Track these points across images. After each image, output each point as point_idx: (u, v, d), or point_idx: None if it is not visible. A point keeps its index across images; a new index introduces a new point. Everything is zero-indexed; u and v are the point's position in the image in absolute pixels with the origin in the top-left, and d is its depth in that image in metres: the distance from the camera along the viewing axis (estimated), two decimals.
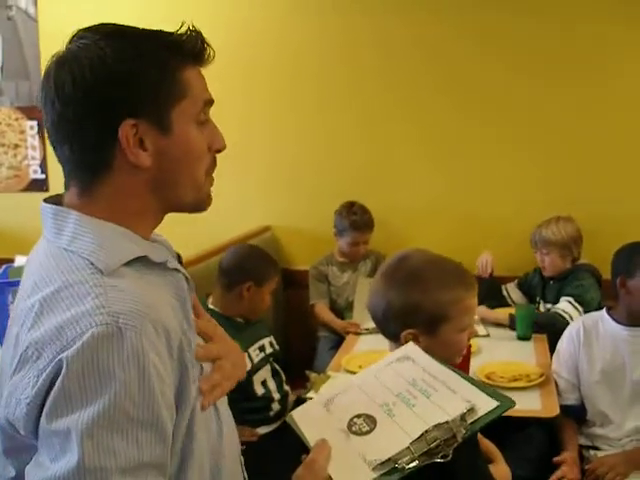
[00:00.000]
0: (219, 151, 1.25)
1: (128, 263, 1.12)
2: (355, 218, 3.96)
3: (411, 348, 1.61)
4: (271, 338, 3.25)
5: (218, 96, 1.27)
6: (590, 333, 2.93)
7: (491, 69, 4.06)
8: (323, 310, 4.02)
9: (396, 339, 1.74)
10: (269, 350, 3.19)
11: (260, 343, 3.15)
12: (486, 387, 1.44)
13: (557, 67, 3.99)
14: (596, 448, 2.86)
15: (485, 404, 1.37)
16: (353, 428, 1.39)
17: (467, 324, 1.76)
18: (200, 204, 1.25)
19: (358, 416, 1.42)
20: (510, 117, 4.09)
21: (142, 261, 1.15)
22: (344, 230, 3.98)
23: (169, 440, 1.06)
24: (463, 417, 1.34)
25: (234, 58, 4.18)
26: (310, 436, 1.41)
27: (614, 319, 2.90)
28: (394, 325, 1.74)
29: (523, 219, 3.97)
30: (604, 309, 2.98)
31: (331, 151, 4.31)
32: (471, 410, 1.36)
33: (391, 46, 4.15)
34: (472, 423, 1.35)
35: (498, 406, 1.36)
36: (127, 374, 1.00)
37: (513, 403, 1.37)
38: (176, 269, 1.23)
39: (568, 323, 3.33)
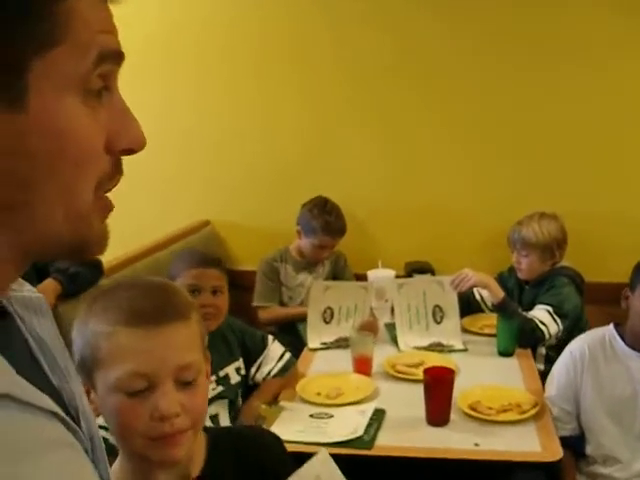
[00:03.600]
0: (130, 152, 0.70)
1: None
2: (329, 219, 3.45)
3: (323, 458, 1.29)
4: (240, 362, 2.62)
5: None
6: (596, 356, 2.50)
7: (461, 49, 3.67)
8: (272, 311, 3.51)
9: None
10: (236, 379, 2.57)
11: (224, 372, 2.53)
12: None
13: (539, 49, 3.62)
14: None
15: None
16: None
17: (122, 380, 1.13)
18: (85, 245, 0.69)
19: None
20: (483, 100, 3.71)
21: None
22: (312, 231, 3.46)
23: None
24: None
25: (179, 39, 3.80)
26: None
27: (624, 340, 2.47)
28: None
29: (497, 214, 3.63)
30: (611, 326, 2.54)
31: (276, 139, 3.86)
32: None
33: (342, 23, 3.72)
34: None
35: None
36: None
37: None
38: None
39: (544, 336, 2.99)
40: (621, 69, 3.57)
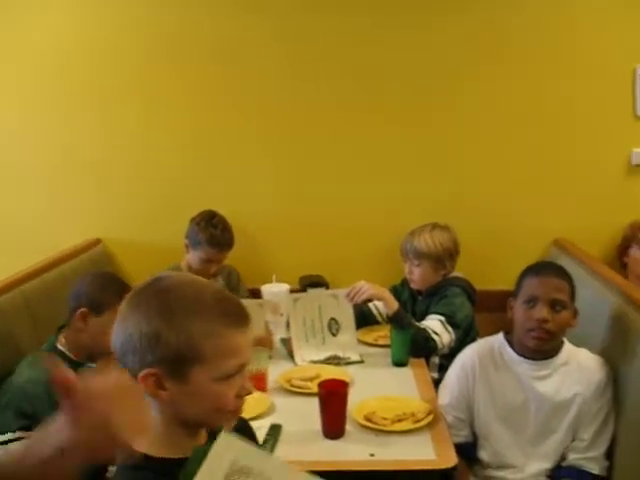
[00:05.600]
0: None
1: None
2: (214, 232, 3.44)
3: (226, 442, 1.19)
4: None
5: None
6: (486, 366, 2.54)
7: (353, 66, 3.69)
8: None
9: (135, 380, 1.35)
10: None
11: None
12: None
13: (426, 65, 3.69)
14: None
15: None
16: None
17: (229, 372, 1.34)
18: None
19: None
20: (373, 115, 3.73)
21: None
22: (198, 244, 3.45)
23: None
24: None
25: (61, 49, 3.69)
26: None
27: (513, 348, 2.52)
28: (132, 362, 1.32)
29: (390, 227, 3.66)
30: (501, 335, 2.59)
31: (166, 154, 3.79)
32: None
33: (230, 30, 3.68)
34: None
35: None
36: None
37: None
38: None
39: (437, 346, 3.02)
40: (511, 83, 3.66)
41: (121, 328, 1.34)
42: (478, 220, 3.71)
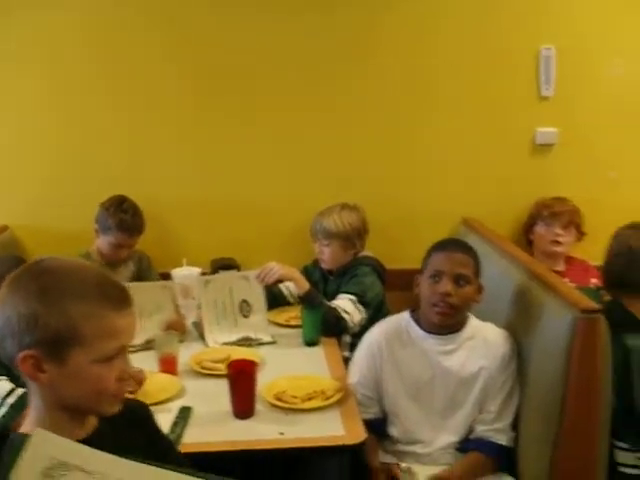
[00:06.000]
0: None
1: None
2: (124, 217, 3.39)
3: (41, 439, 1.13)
4: None
5: None
6: (393, 344, 2.57)
7: (268, 48, 3.66)
8: None
9: (14, 364, 1.33)
10: None
11: None
12: None
13: (328, 49, 3.68)
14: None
15: None
16: None
17: (109, 353, 1.34)
18: None
19: None
20: (284, 96, 3.70)
21: None
22: (108, 229, 3.40)
23: None
24: None
25: None
26: None
27: (419, 325, 2.55)
28: (11, 345, 1.31)
29: (300, 208, 3.66)
30: (407, 313, 2.62)
31: (73, 139, 3.70)
32: None
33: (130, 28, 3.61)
34: None
35: None
36: None
37: None
38: None
39: (348, 325, 3.07)
40: (415, 63, 3.68)
41: (0, 312, 1.32)
42: (387, 200, 3.73)
